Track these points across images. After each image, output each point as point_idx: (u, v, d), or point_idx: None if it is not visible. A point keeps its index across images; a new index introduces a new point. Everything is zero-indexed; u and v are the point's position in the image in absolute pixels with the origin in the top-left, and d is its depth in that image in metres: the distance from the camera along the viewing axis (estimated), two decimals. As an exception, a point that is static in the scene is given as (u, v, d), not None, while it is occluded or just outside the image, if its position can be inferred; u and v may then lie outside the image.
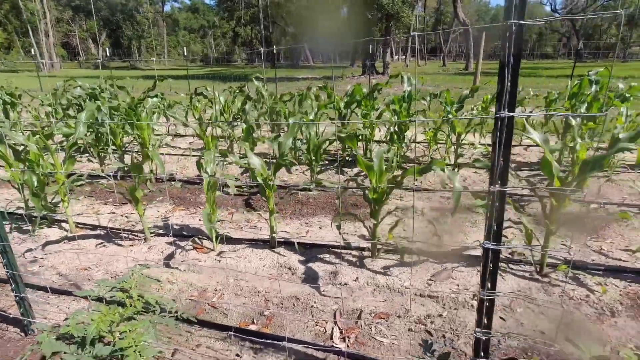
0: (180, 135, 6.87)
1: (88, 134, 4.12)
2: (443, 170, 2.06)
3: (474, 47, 23.87)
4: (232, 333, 1.91)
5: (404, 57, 38.54)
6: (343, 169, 4.62)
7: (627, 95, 4.12)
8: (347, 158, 4.94)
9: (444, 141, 4.85)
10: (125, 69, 34.63)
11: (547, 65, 33.89)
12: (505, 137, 1.08)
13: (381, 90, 4.75)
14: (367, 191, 2.36)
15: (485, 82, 6.55)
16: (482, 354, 1.34)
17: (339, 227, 2.44)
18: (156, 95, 4.37)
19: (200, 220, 3.35)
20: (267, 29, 41.95)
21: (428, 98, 4.76)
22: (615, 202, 3.47)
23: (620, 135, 2.00)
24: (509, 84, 1.04)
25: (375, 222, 2.46)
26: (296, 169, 4.80)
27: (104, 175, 3.67)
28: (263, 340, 1.86)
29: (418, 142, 5.26)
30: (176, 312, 1.65)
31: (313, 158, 3.79)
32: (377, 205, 2.37)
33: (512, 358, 1.73)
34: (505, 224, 2.49)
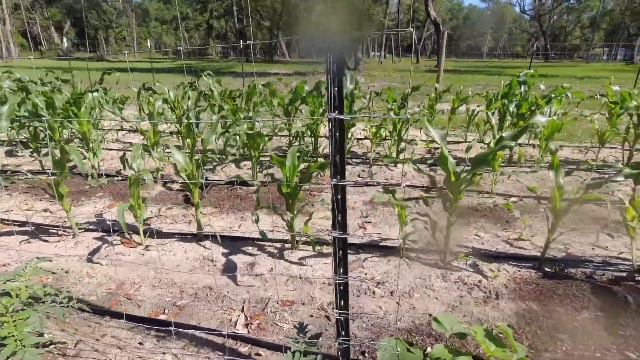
0: (135, 131, 6.79)
1: (25, 128, 4.04)
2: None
3: (439, 46, 24.42)
4: (138, 324, 1.99)
5: (379, 54, 38.94)
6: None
7: (552, 95, 4.42)
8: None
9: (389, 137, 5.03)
10: (92, 61, 33.38)
11: (516, 64, 34.98)
12: (338, 135, 1.21)
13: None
14: (281, 186, 2.47)
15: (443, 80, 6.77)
16: (343, 333, 1.48)
17: (256, 221, 2.54)
18: (97, 90, 4.32)
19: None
20: (241, 21, 41.38)
21: (368, 96, 4.93)
22: (502, 194, 3.77)
23: (504, 134, 2.18)
24: (335, 90, 1.16)
25: (292, 216, 2.58)
26: (244, 165, 4.87)
27: (44, 170, 3.62)
28: (166, 328, 1.95)
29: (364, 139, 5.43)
30: (68, 301, 1.71)
31: (253, 154, 3.87)
32: (291, 200, 2.49)
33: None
34: (414, 216, 2.66)
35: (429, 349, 1.84)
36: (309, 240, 2.77)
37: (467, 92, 6.04)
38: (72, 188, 3.94)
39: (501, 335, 1.76)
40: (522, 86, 4.48)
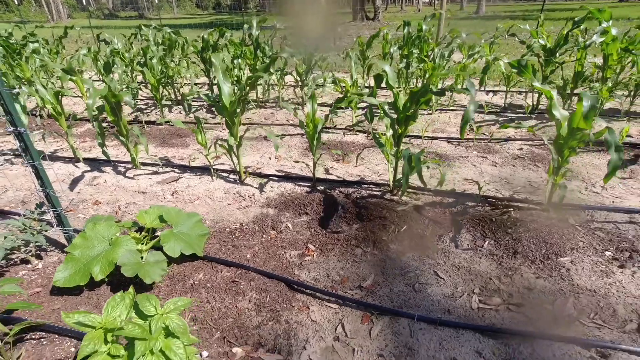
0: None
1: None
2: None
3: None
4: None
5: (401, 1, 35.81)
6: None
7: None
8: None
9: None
10: (133, 19, 35.00)
11: (569, 5, 30.95)
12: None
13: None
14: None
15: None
16: (53, 205, 2.14)
17: (101, 145, 3.22)
18: (37, 41, 5.10)
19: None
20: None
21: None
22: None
23: (257, 67, 2.57)
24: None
25: (133, 146, 3.22)
26: (176, 109, 5.53)
27: None
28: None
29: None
30: None
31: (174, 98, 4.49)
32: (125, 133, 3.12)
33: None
34: (221, 142, 3.17)
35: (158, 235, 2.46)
36: (146, 162, 3.42)
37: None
38: None
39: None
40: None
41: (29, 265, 2.20)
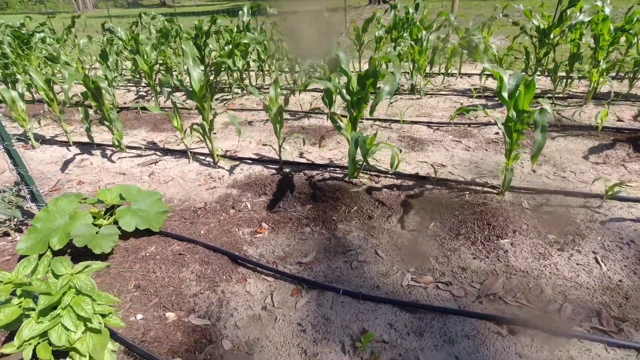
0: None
1: None
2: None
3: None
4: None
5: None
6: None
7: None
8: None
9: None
10: (155, 7, 35.61)
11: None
12: None
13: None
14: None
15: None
16: (25, 183, 2.34)
17: (87, 130, 3.42)
18: (43, 31, 5.36)
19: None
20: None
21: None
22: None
23: (221, 54, 2.66)
24: None
25: (117, 130, 3.41)
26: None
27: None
28: None
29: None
30: None
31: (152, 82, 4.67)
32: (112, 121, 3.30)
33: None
34: (196, 127, 3.30)
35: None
36: (130, 145, 3.61)
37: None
38: None
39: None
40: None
41: (9, 237, 2.42)
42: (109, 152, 3.61)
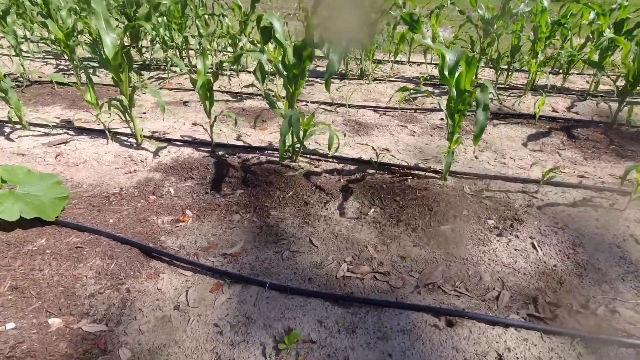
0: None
1: None
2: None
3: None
4: None
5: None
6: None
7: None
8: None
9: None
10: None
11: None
12: None
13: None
14: None
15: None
16: None
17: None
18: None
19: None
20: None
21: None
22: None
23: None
24: None
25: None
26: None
27: None
28: None
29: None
30: None
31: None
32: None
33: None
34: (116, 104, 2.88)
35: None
36: (35, 122, 3.11)
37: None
38: None
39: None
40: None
41: None
42: (7, 130, 3.06)
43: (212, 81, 2.39)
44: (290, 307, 1.53)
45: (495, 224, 2.04)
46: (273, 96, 2.49)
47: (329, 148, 2.23)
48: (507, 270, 1.77)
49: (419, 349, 1.37)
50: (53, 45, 4.86)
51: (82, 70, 2.71)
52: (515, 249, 1.88)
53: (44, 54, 5.71)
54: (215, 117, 2.61)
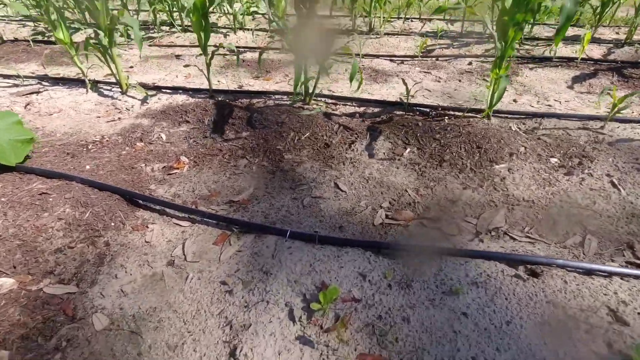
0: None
1: None
2: None
3: None
4: None
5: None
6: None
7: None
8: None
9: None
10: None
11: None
12: None
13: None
14: None
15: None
16: None
17: None
18: None
19: None
20: None
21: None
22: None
23: None
24: None
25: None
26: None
27: None
28: None
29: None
30: None
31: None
32: None
33: None
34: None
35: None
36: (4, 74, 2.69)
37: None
38: None
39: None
40: None
41: None
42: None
43: (208, 5, 1.96)
44: (320, 259, 1.16)
45: (559, 162, 1.67)
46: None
47: (351, 80, 1.83)
48: (586, 212, 1.41)
49: (501, 305, 1.01)
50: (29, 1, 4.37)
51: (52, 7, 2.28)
52: (591, 189, 1.51)
53: (21, 18, 5.22)
54: (213, 52, 2.19)
